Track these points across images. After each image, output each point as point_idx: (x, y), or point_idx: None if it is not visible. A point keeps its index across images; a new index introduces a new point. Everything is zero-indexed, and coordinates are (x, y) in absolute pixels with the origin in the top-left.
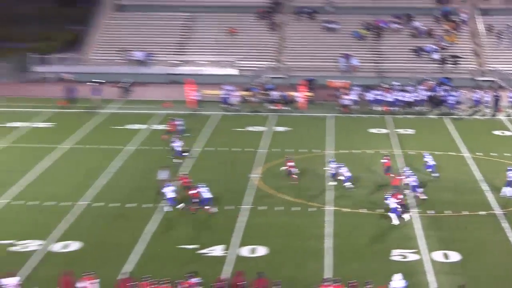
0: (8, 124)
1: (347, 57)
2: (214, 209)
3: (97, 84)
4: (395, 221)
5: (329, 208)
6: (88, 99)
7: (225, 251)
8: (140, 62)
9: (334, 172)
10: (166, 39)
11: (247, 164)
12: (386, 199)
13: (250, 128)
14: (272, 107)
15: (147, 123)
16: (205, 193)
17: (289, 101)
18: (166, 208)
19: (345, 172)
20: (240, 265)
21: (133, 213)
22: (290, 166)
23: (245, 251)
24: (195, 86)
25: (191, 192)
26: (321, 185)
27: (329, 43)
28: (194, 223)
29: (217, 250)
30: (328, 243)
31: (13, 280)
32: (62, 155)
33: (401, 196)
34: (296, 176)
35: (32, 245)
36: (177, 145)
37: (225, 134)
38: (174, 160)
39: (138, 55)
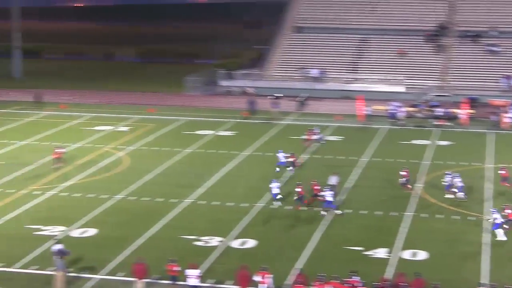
0: (197, 132)
1: (508, 77)
2: (324, 213)
3: (276, 98)
4: (501, 237)
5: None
6: (267, 111)
7: (388, 254)
8: (315, 79)
9: (449, 184)
10: (340, 58)
11: (411, 174)
12: (492, 213)
13: (415, 142)
14: (436, 123)
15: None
16: (328, 197)
17: (452, 118)
18: (276, 204)
19: (458, 182)
20: (402, 268)
21: (305, 214)
22: (405, 176)
23: (406, 255)
24: (365, 102)
25: (298, 189)
26: (479, 196)
27: (491, 64)
28: (361, 226)
29: (380, 253)
30: (486, 250)
31: (195, 272)
32: (243, 160)
33: (510, 211)
34: (410, 186)
35: (214, 240)
36: (282, 155)
37: (391, 146)
38: (277, 169)
39: (314, 72)
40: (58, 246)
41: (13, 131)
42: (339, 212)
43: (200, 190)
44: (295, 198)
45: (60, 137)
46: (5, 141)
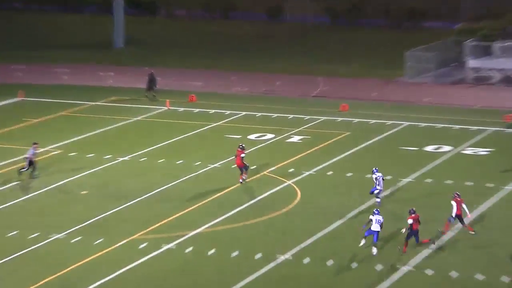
0: (425, 148)
1: None
2: None
3: None
4: None
5: None
6: None
7: None
8: None
9: None
10: None
11: None
12: None
13: None
14: None
15: None
16: None
17: None
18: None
19: None
20: None
21: None
22: None
23: None
24: None
25: (409, 221)
26: None
27: None
28: None
29: None
30: None
31: None
32: (503, 199)
33: None
34: None
35: None
36: (378, 176)
37: None
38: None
39: None
40: None
41: (104, 140)
42: None
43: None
44: (404, 230)
45: (185, 151)
46: (92, 155)
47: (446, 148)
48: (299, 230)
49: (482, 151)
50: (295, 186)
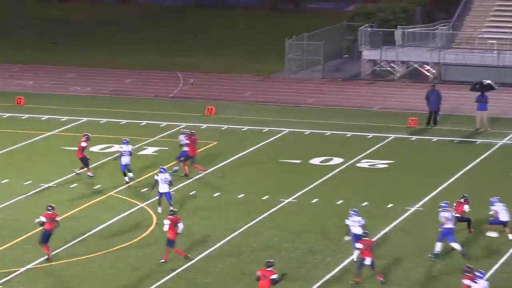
0: (313, 161)
1: None
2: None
3: (483, 88)
4: None
5: None
6: (469, 115)
7: None
8: None
9: None
10: None
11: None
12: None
13: None
14: None
15: None
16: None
17: None
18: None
19: None
20: None
21: None
22: None
23: None
24: None
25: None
26: None
27: None
28: None
29: None
30: None
31: None
32: None
33: None
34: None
35: None
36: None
37: None
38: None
39: None
40: None
41: None
42: None
43: None
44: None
45: (11, 168)
46: None
47: (337, 160)
48: (155, 264)
49: (380, 164)
50: (149, 210)
